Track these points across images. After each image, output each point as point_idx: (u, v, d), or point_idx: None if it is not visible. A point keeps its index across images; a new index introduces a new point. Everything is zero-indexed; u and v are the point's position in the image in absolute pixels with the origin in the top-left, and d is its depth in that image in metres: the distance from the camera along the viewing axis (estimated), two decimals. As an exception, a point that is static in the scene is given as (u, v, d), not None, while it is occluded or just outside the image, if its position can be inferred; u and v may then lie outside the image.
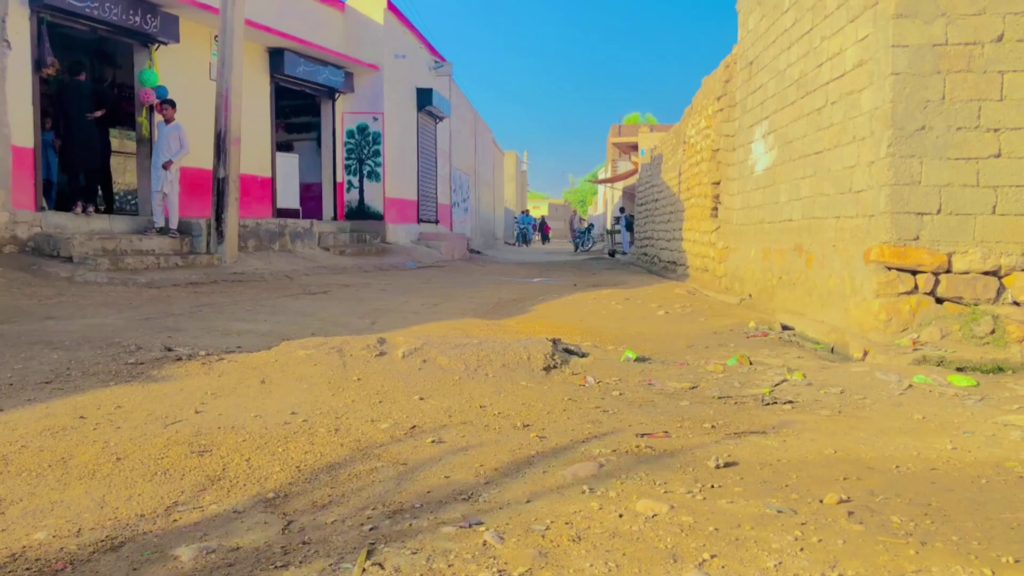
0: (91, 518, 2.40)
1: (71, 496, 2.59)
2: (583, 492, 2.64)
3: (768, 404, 4.07)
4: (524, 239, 43.87)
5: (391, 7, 18.37)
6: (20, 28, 10.04)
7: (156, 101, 11.85)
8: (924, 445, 3.27)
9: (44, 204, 10.79)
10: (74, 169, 11.27)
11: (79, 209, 10.94)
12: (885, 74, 5.81)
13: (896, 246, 5.75)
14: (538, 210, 65.01)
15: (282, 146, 16.81)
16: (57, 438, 3.24)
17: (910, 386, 4.43)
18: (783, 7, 8.35)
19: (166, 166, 11.38)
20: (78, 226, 10.66)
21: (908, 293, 5.75)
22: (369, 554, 2.13)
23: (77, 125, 11.03)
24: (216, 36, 12.41)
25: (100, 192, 12.23)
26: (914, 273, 5.75)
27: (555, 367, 4.82)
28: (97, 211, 11.64)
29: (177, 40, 12.59)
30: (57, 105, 11.25)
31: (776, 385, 4.53)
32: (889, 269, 5.78)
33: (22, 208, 10.02)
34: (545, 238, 49.76)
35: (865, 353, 5.54)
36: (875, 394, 4.28)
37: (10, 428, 3.36)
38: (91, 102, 11.32)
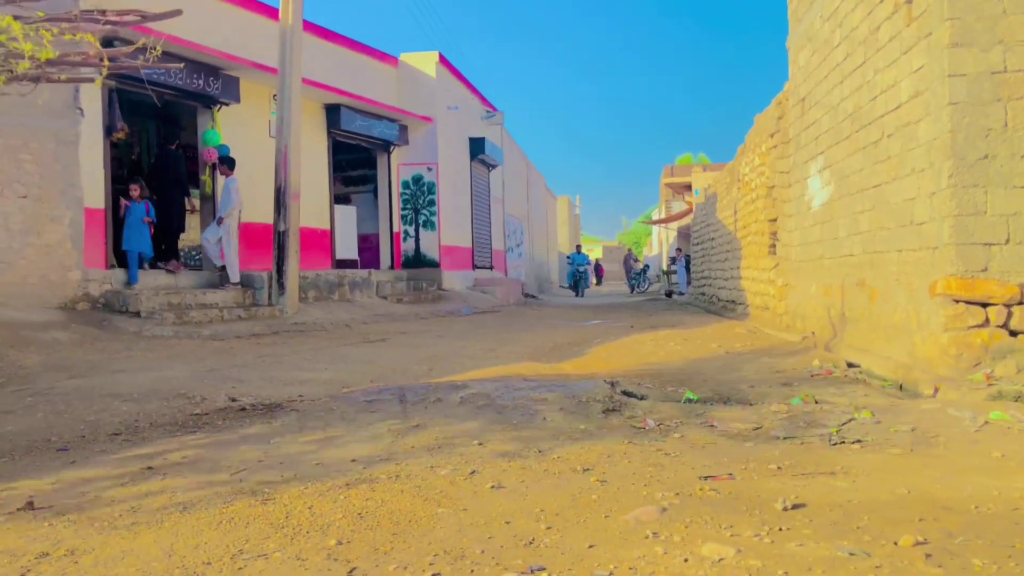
0: (160, 567, 2.45)
1: (141, 545, 2.64)
2: (646, 537, 2.59)
3: (836, 444, 3.95)
4: (577, 285, 30.18)
5: (443, 61, 18.81)
6: (92, 96, 10.56)
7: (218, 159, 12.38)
8: (1005, 484, 3.13)
9: (114, 262, 11.24)
10: (168, 229, 12.15)
11: (173, 268, 11.60)
12: (942, 104, 5.71)
13: (963, 278, 5.57)
14: (592, 252, 64.71)
15: (340, 199, 17.22)
16: (127, 488, 3.32)
17: (986, 422, 4.26)
18: (834, 43, 8.30)
19: (219, 221, 12.01)
20: (145, 282, 11.03)
21: (979, 326, 5.56)
22: (431, 601, 2.12)
23: (169, 190, 12.14)
24: (275, 95, 12.85)
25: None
26: (984, 305, 5.56)
27: (614, 410, 4.77)
28: (186, 266, 12.38)
29: (238, 100, 13.09)
30: (154, 172, 12.53)
31: (843, 424, 4.40)
32: (957, 302, 5.60)
33: (94, 267, 10.43)
34: (599, 279, 49.44)
35: (936, 389, 5.35)
36: (948, 431, 4.12)
37: (84, 480, 3.46)
38: (182, 169, 12.46)
